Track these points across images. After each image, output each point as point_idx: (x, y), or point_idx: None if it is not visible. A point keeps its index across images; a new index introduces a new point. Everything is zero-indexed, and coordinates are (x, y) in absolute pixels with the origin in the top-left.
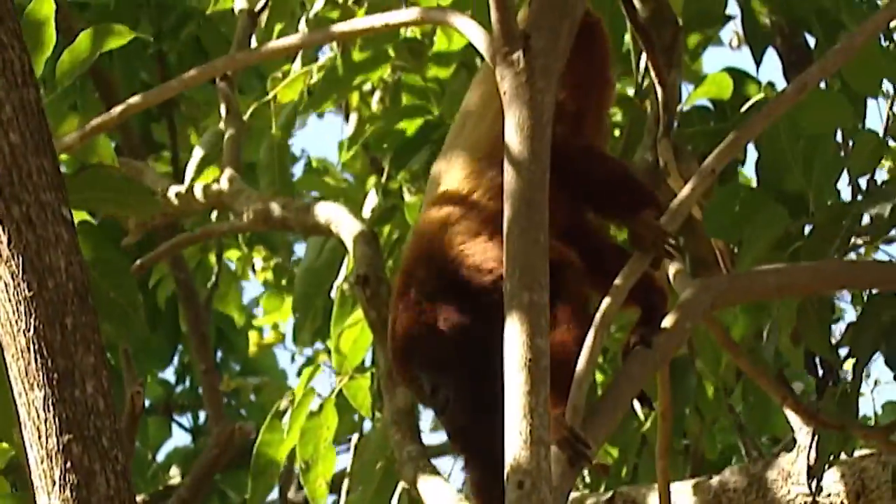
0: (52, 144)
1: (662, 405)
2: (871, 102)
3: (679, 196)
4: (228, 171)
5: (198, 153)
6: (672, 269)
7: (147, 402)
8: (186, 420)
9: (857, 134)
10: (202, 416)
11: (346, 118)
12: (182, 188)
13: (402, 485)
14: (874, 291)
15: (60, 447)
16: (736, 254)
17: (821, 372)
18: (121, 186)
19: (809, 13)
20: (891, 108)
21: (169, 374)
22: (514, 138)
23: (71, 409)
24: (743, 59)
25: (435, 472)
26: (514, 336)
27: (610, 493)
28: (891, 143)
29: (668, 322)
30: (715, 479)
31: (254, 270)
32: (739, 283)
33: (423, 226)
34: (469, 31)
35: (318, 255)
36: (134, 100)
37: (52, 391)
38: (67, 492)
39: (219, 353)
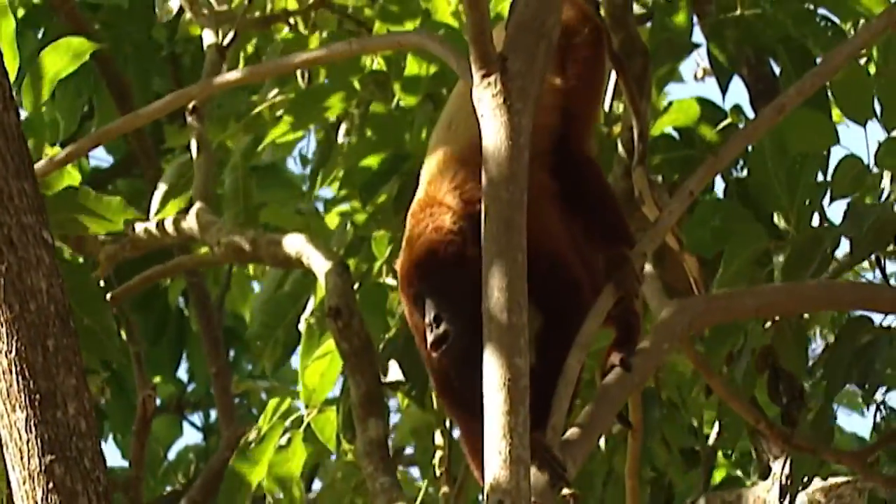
0: (32, 168)
1: (634, 421)
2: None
3: (659, 217)
4: (198, 204)
5: (162, 186)
6: (648, 289)
7: (158, 401)
8: (198, 418)
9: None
10: (213, 414)
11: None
12: (151, 224)
13: None
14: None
15: (43, 468)
16: (711, 275)
17: (785, 399)
18: (91, 204)
19: (774, 41)
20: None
21: (181, 373)
22: (491, 159)
23: (53, 431)
24: (707, 90)
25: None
26: (494, 356)
27: None
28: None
29: (645, 343)
30: None
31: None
32: (717, 304)
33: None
34: (446, 54)
35: (277, 286)
36: (103, 129)
37: (35, 412)
38: None
39: (231, 352)
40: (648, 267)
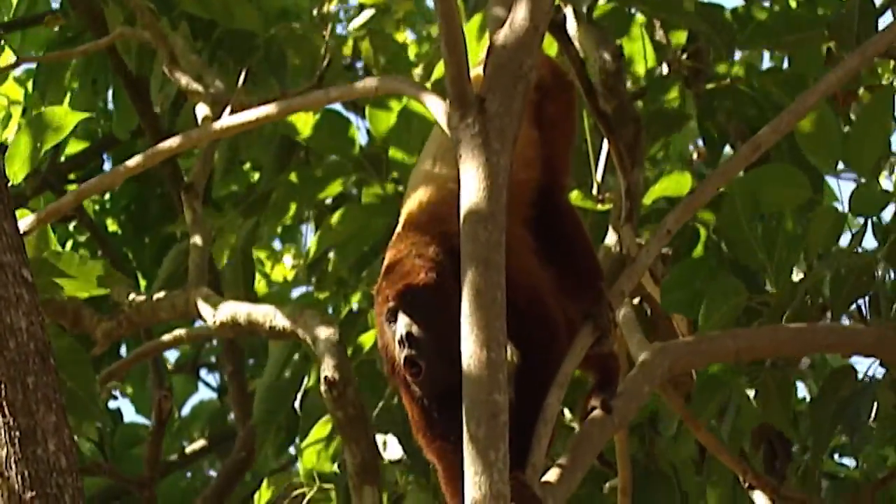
0: (11, 206)
1: (622, 481)
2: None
3: (636, 255)
4: (193, 278)
5: (163, 270)
6: (629, 333)
7: (175, 358)
8: (213, 378)
9: (816, 210)
10: None
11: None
12: (148, 300)
13: None
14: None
15: None
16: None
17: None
18: (73, 270)
19: (765, 111)
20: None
21: None
22: (470, 199)
23: (33, 467)
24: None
25: None
26: (473, 392)
27: None
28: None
29: (626, 384)
30: None
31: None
32: (697, 346)
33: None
34: (422, 96)
35: (280, 372)
36: (91, 182)
37: (15, 449)
38: None
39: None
40: (627, 310)
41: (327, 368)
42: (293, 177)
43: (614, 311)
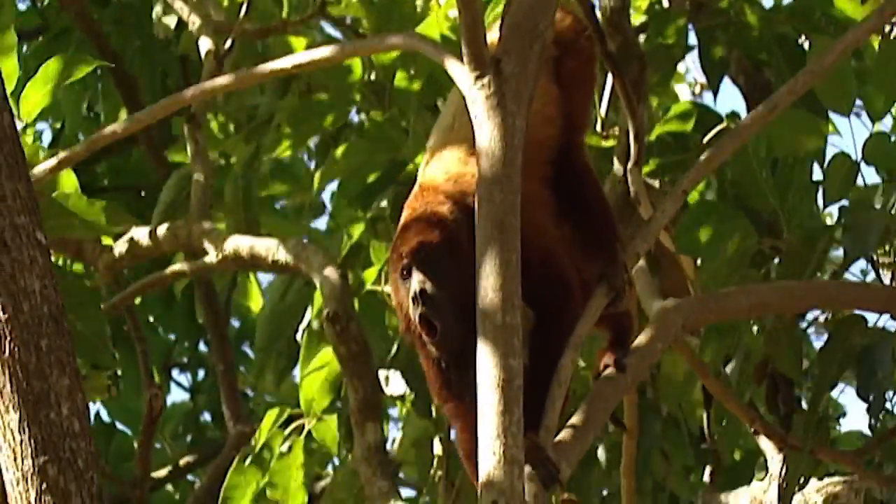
0: (26, 168)
1: (629, 422)
2: (844, 123)
3: (652, 217)
4: (195, 211)
5: (164, 198)
6: (641, 289)
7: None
8: (185, 379)
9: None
10: (201, 374)
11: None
12: (150, 232)
13: None
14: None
15: (36, 469)
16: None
17: (783, 409)
18: (83, 211)
19: (767, 42)
20: None
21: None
22: (485, 161)
23: (46, 432)
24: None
25: None
26: (487, 356)
27: None
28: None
29: (639, 342)
30: None
31: None
32: (710, 303)
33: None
34: (439, 56)
35: (281, 298)
36: (106, 131)
37: (28, 413)
38: None
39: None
40: (642, 263)
41: (330, 304)
42: (294, 102)
43: (629, 273)
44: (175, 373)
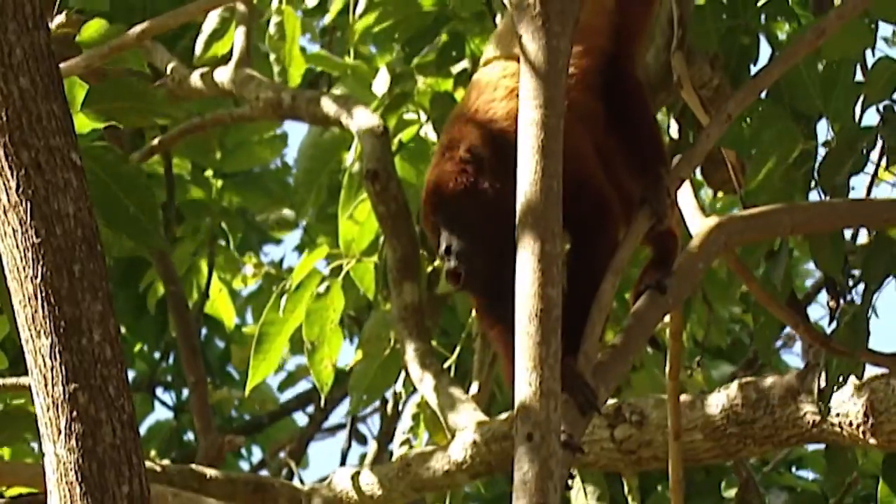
0: (62, 88)
1: (673, 325)
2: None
3: (697, 140)
4: (238, 58)
5: (208, 26)
6: (685, 206)
7: (130, 377)
8: (169, 397)
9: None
10: (185, 392)
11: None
12: (193, 75)
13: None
14: None
15: (66, 396)
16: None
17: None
18: (142, 95)
19: None
20: None
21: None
22: (528, 84)
23: (78, 358)
24: None
25: (441, 370)
26: (526, 285)
27: (617, 404)
28: None
29: (680, 262)
30: (722, 394)
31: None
32: (753, 221)
33: (484, 87)
34: None
35: (322, 132)
36: (152, 22)
37: (59, 339)
38: (73, 441)
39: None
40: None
41: (370, 161)
42: None
43: (672, 196)
44: (159, 391)
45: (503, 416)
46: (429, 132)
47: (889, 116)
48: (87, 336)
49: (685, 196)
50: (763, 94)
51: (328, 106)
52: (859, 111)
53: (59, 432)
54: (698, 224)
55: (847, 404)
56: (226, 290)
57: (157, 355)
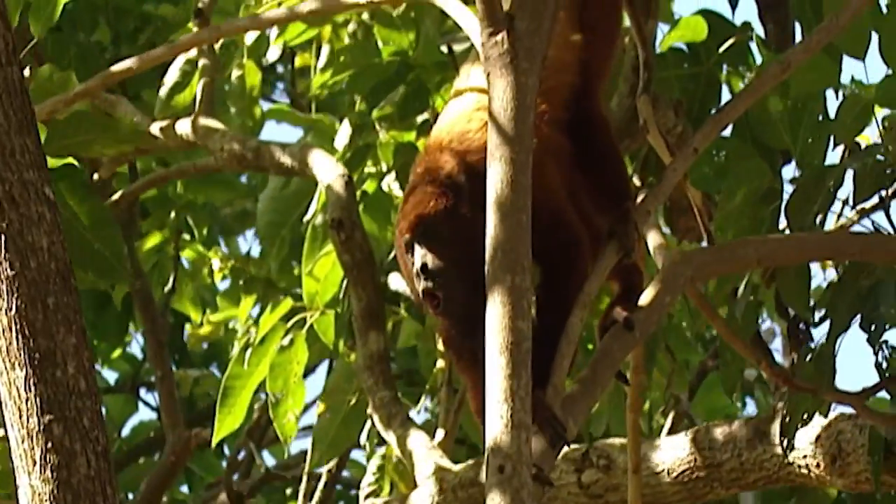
0: (35, 123)
1: (634, 359)
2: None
3: (663, 175)
4: (202, 110)
5: (170, 79)
6: (652, 240)
7: (114, 379)
8: (153, 398)
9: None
10: None
11: (318, 53)
12: (155, 126)
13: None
14: None
15: (41, 427)
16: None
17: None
18: (103, 126)
19: None
20: None
21: (136, 351)
22: (497, 120)
23: (52, 390)
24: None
25: (407, 419)
26: (496, 318)
27: (584, 449)
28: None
29: (647, 296)
30: (689, 437)
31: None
32: (719, 255)
33: (458, 119)
34: (454, 11)
35: (285, 185)
36: (121, 65)
37: (34, 371)
38: (48, 472)
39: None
40: (652, 216)
41: (334, 211)
42: None
43: (639, 230)
44: (143, 392)
45: (469, 462)
46: (392, 184)
47: (860, 168)
48: (61, 368)
49: (651, 230)
50: (731, 132)
51: (292, 156)
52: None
53: (35, 463)
54: (664, 258)
55: (814, 445)
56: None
57: (140, 356)
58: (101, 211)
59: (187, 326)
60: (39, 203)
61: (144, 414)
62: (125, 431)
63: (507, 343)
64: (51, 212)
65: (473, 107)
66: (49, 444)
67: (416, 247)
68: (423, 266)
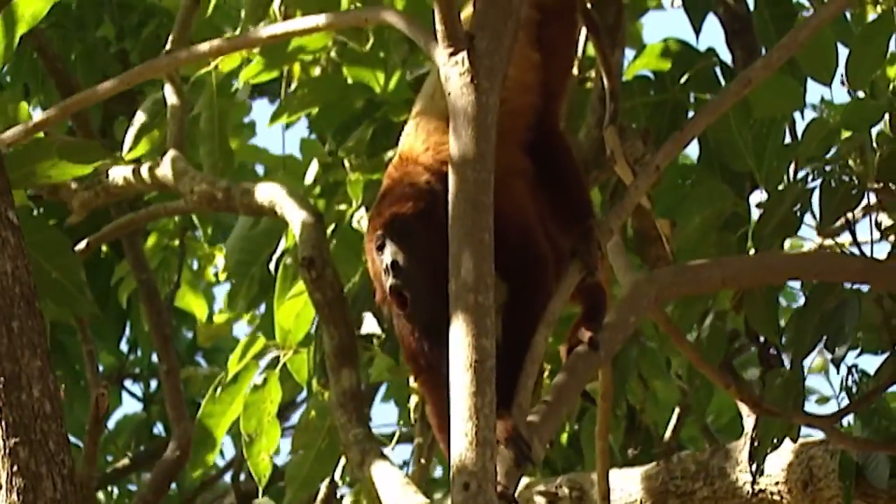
0: None
1: (603, 386)
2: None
3: (625, 193)
4: (172, 152)
5: (138, 120)
6: (616, 261)
7: (99, 370)
8: (138, 388)
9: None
10: (153, 384)
11: (287, 86)
12: (125, 170)
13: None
14: None
15: (7, 451)
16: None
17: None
18: (67, 149)
19: None
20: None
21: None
22: (458, 139)
23: (17, 413)
24: (684, 19)
25: (381, 455)
26: (460, 337)
27: (556, 480)
28: None
29: (612, 316)
30: (662, 466)
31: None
32: (684, 275)
33: (433, 129)
34: (414, 32)
35: (254, 224)
36: (83, 94)
37: None
38: (14, 495)
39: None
40: (616, 239)
41: (305, 249)
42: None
43: (602, 249)
44: (128, 383)
45: (438, 496)
46: (362, 221)
47: (825, 188)
48: (26, 391)
49: (615, 251)
50: (697, 159)
51: (262, 196)
52: (792, 172)
53: (0, 487)
54: (629, 278)
55: (785, 471)
56: (196, 282)
57: (125, 347)
58: (57, 240)
59: (199, 323)
60: (3, 227)
61: (129, 406)
62: (110, 424)
63: (472, 361)
64: (15, 236)
65: (447, 120)
66: (15, 468)
67: (388, 244)
68: (394, 263)
